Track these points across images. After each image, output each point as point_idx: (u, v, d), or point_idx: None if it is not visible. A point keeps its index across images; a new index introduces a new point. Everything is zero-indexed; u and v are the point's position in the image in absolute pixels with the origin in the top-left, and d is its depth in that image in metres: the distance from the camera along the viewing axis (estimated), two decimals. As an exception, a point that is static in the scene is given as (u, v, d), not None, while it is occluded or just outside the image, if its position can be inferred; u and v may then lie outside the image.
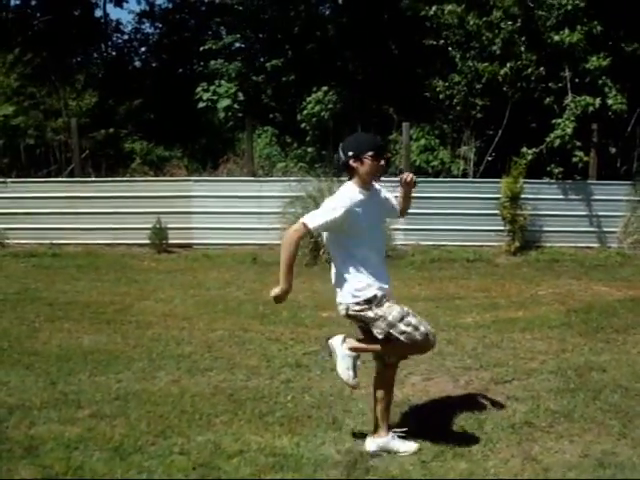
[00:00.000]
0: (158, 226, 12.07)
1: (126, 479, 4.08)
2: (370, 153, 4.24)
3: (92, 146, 14.68)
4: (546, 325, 7.34)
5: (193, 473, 4.15)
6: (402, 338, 4.18)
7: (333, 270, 4.36)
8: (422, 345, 4.30)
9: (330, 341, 4.42)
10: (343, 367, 4.32)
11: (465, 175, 13.32)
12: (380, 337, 4.22)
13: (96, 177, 13.57)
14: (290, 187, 11.68)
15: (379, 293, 4.25)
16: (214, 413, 4.99)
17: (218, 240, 12.31)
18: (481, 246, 12.03)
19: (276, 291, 4.23)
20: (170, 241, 12.05)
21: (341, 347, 4.35)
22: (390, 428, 4.44)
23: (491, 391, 5.44)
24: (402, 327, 4.18)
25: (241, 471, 4.15)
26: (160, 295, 8.81)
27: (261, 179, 12.98)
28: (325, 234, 4.36)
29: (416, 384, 5.65)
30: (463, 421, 4.82)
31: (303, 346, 6.60)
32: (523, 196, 11.90)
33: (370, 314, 4.20)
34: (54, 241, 12.58)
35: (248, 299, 8.75)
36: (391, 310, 4.21)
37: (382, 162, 4.36)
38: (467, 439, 4.54)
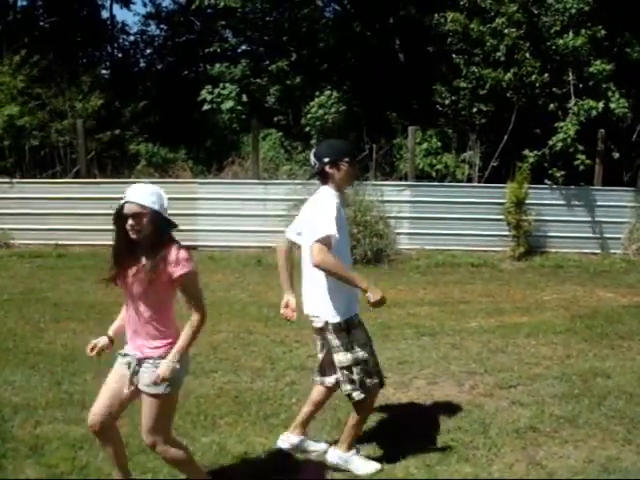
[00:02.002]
0: (162, 227, 12.06)
1: (130, 479, 4.09)
2: (346, 159, 4.23)
3: (98, 147, 14.70)
4: (551, 331, 7.34)
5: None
6: (355, 381, 4.11)
7: (308, 279, 4.23)
8: (367, 397, 4.19)
9: (330, 462, 4.29)
10: (363, 468, 4.23)
11: (470, 180, 13.32)
12: (337, 365, 4.14)
13: (101, 178, 13.59)
14: (295, 190, 11.69)
15: (355, 316, 4.17)
16: (219, 414, 5.00)
17: (223, 242, 12.32)
18: (486, 251, 12.02)
19: (374, 293, 3.98)
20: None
21: (341, 456, 4.26)
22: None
23: (496, 396, 5.44)
24: (357, 374, 4.10)
25: (246, 472, 4.16)
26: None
27: (266, 182, 12.99)
28: (305, 245, 4.21)
29: (421, 388, 5.65)
30: (468, 425, 4.82)
31: (307, 349, 6.59)
32: (528, 201, 11.89)
33: (340, 340, 4.10)
34: (59, 242, 12.59)
35: (253, 301, 8.76)
36: (359, 351, 4.12)
37: (357, 168, 4.35)
38: (472, 443, 4.55)
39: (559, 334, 7.22)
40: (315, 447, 4.41)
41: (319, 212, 4.09)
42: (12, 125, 14.02)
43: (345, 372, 4.12)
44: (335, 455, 4.29)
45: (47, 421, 4.91)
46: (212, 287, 9.62)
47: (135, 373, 3.60)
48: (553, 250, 12.16)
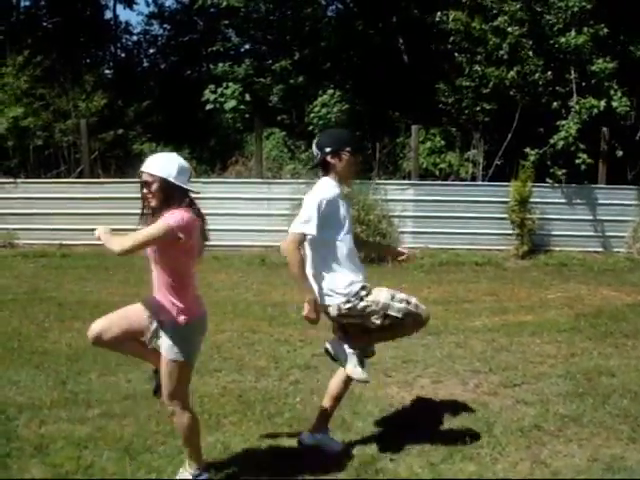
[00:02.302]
0: (166, 227, 12.10)
1: (136, 479, 4.10)
2: (348, 149, 4.20)
3: (101, 147, 14.73)
4: (555, 329, 7.33)
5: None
6: (400, 315, 4.17)
7: (311, 271, 4.21)
8: (419, 317, 4.27)
9: (327, 346, 4.36)
10: (350, 366, 4.26)
11: (474, 179, 13.32)
12: (377, 323, 4.17)
13: (105, 178, 13.61)
14: (298, 189, 11.69)
15: (365, 284, 4.20)
16: (223, 414, 5.00)
17: (227, 242, 12.31)
18: (490, 250, 12.02)
19: (306, 309, 4.08)
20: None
21: (341, 347, 4.30)
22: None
23: (500, 394, 5.44)
24: (397, 305, 4.17)
25: (250, 472, 4.16)
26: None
27: (270, 181, 13.00)
28: None
29: (425, 387, 5.65)
30: (472, 424, 4.82)
31: (312, 348, 6.60)
32: (532, 200, 11.89)
33: (362, 304, 4.14)
34: (63, 241, 12.62)
35: (257, 300, 8.77)
36: (380, 293, 4.19)
37: (360, 158, 4.34)
38: (476, 442, 4.54)
39: (563, 333, 7.21)
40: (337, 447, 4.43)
41: (304, 202, 4.12)
42: (16, 126, 14.05)
43: (388, 312, 4.16)
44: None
45: (52, 420, 4.91)
46: (216, 286, 9.63)
47: (157, 336, 3.77)
48: (557, 249, 12.15)
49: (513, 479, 4.10)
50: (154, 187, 3.62)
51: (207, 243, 3.99)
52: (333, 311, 4.19)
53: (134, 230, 3.78)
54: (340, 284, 4.14)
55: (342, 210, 4.20)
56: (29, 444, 4.50)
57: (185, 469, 3.98)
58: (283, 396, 5.41)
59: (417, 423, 4.85)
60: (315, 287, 4.19)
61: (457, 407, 5.18)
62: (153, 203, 3.67)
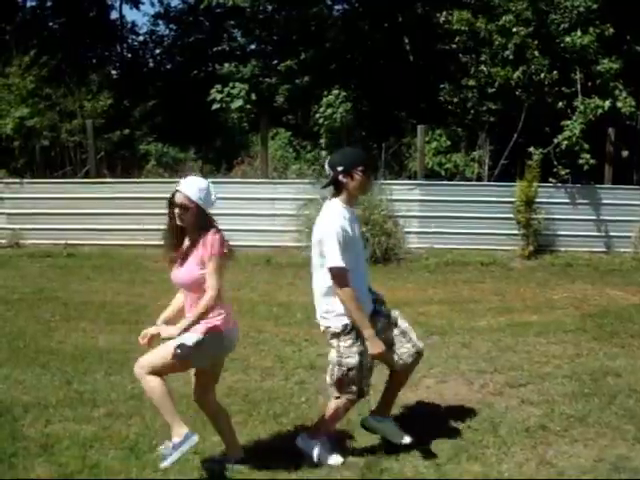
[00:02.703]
0: (172, 227, 12.14)
1: (141, 478, 4.10)
2: (360, 168, 4.20)
3: (107, 147, 14.75)
4: (561, 329, 7.32)
5: (207, 473, 4.18)
6: (335, 379, 4.21)
7: (317, 292, 4.27)
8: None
9: (297, 444, 4.41)
10: (323, 458, 4.32)
11: (479, 179, 13.30)
12: (329, 365, 4.26)
13: (111, 178, 13.64)
14: (304, 189, 11.71)
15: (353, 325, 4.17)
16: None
17: (232, 242, 12.25)
18: (495, 250, 11.98)
19: (372, 346, 4.10)
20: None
21: (306, 441, 4.37)
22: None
23: (505, 395, 5.44)
24: (341, 372, 4.18)
25: (256, 472, 4.17)
26: (174, 296, 8.83)
27: (275, 181, 13.00)
28: (315, 252, 4.24)
29: (430, 387, 5.65)
30: (477, 424, 4.82)
31: (317, 347, 6.60)
32: (537, 200, 11.85)
33: (336, 342, 4.19)
34: (69, 241, 12.63)
35: (262, 300, 8.77)
36: (350, 350, 4.17)
37: (373, 178, 4.36)
38: (481, 442, 4.54)
39: (569, 333, 7.20)
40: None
41: (324, 237, 4.13)
42: (23, 126, 14.09)
43: (329, 367, 4.24)
44: (300, 439, 4.42)
45: (57, 420, 4.93)
46: (221, 286, 9.63)
47: None
48: (563, 249, 12.11)
49: (519, 479, 4.10)
50: (189, 212, 3.90)
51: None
52: (322, 328, 4.30)
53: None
54: (340, 313, 4.16)
55: (356, 233, 4.25)
56: (35, 443, 4.52)
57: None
58: (289, 396, 5.42)
59: (422, 423, 4.85)
60: (316, 306, 4.28)
61: (462, 407, 5.18)
62: (182, 224, 3.95)
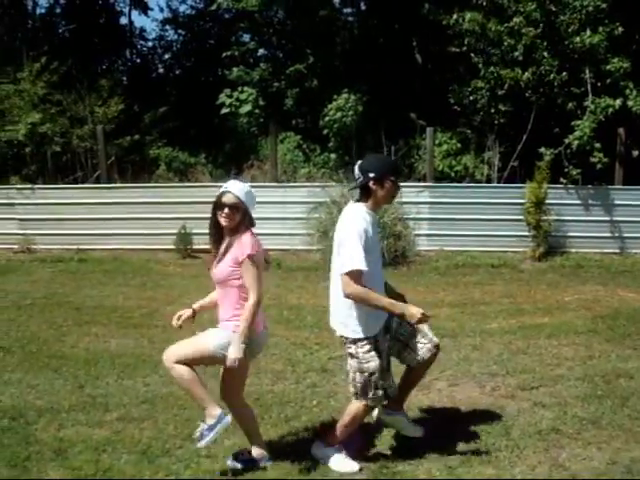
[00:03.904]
0: (183, 231, 12.18)
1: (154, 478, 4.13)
2: (392, 177, 4.20)
3: (118, 153, 14.83)
4: (572, 331, 7.28)
5: (220, 476, 4.19)
6: (359, 387, 4.19)
7: (334, 296, 4.26)
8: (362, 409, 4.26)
9: (312, 452, 4.40)
10: (338, 466, 4.30)
11: (489, 180, 13.27)
12: (349, 374, 4.26)
13: (122, 183, 13.70)
14: (314, 193, 11.72)
15: (371, 334, 4.17)
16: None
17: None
18: (505, 252, 11.95)
19: (411, 312, 4.07)
20: (195, 246, 12.12)
21: (322, 450, 4.36)
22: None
23: (517, 397, 5.42)
24: (363, 378, 4.17)
25: (268, 475, 4.18)
26: (185, 300, 8.81)
27: (285, 185, 13.02)
28: (335, 256, 4.23)
29: (442, 390, 5.64)
30: (489, 427, 4.80)
31: (328, 351, 6.61)
32: (547, 201, 11.81)
33: (355, 351, 4.18)
34: (81, 246, 12.71)
35: (273, 304, 8.76)
36: (368, 358, 4.17)
37: (400, 189, 4.33)
38: (494, 445, 4.53)
39: (581, 335, 7.17)
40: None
41: (345, 238, 4.11)
42: (34, 132, 14.18)
43: (350, 376, 4.23)
44: (315, 447, 4.40)
45: (70, 424, 4.96)
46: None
47: None
48: (573, 250, 12.06)
49: (531, 482, 4.09)
50: (238, 212, 4.07)
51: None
52: (339, 335, 4.30)
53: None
54: (355, 322, 4.15)
55: (373, 240, 4.20)
56: (48, 447, 4.55)
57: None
58: (300, 399, 5.42)
59: (434, 426, 4.84)
60: (333, 312, 4.27)
61: (474, 410, 5.17)
62: (229, 224, 4.08)
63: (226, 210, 4.05)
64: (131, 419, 5.02)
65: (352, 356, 4.20)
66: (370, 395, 4.19)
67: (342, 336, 4.25)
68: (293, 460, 4.30)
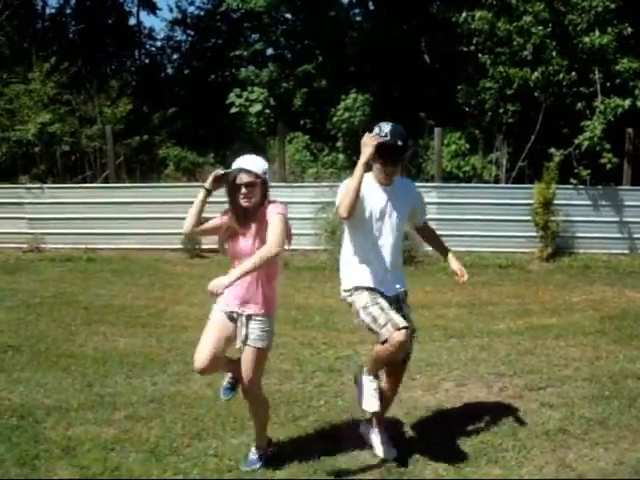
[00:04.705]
0: (191, 231, 12.21)
1: (162, 478, 4.15)
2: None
3: (126, 152, 14.88)
4: (580, 332, 7.27)
5: (227, 475, 4.21)
6: (365, 325, 4.14)
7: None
8: (381, 337, 4.00)
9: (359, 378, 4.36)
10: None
11: (497, 181, 13.25)
12: (355, 322, 4.29)
13: (130, 183, 13.75)
14: (321, 193, 11.72)
15: (360, 284, 4.20)
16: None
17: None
18: (513, 252, 11.94)
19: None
20: (203, 246, 12.17)
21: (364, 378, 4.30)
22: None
23: (525, 398, 5.42)
24: (362, 315, 4.14)
25: (277, 475, 4.19)
26: (193, 299, 8.89)
27: (292, 185, 13.04)
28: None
29: (449, 390, 5.64)
30: (497, 428, 4.81)
31: (335, 351, 6.63)
32: (556, 202, 11.79)
33: (348, 300, 4.26)
34: (89, 246, 12.77)
35: (280, 303, 8.68)
36: (360, 298, 4.18)
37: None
38: (501, 445, 4.53)
39: (588, 335, 7.15)
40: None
41: None
42: (44, 132, 14.25)
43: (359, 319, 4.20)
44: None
45: (79, 423, 4.98)
46: (240, 290, 9.67)
47: (245, 328, 4.01)
48: (581, 251, 12.03)
49: (538, 482, 4.10)
50: (256, 188, 3.91)
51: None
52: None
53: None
54: (345, 272, 4.30)
55: (369, 207, 4.26)
56: (56, 446, 4.57)
57: (252, 452, 4.30)
58: (307, 399, 5.43)
59: (441, 426, 4.85)
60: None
61: (482, 410, 5.17)
62: (253, 201, 3.91)
63: (243, 190, 3.91)
64: (139, 418, 5.04)
65: (352, 307, 4.24)
66: (381, 326, 4.01)
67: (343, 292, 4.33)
68: (301, 460, 4.32)
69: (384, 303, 4.13)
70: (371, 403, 4.19)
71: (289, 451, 4.48)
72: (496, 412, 5.11)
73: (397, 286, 4.32)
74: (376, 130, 4.25)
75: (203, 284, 9.97)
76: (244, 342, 4.02)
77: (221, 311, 4.10)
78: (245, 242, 3.99)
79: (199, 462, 4.33)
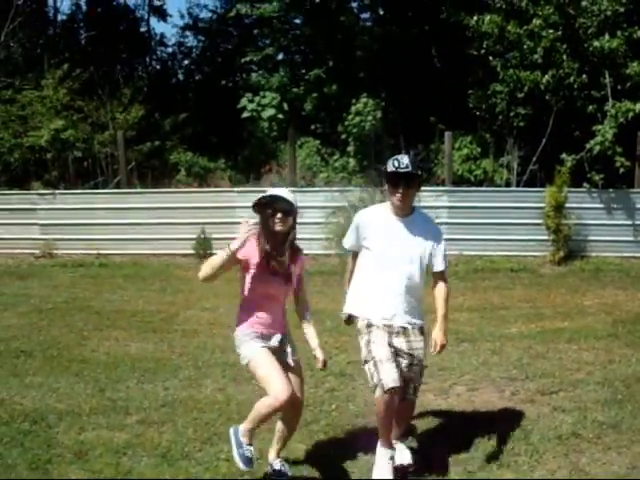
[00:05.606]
0: (202, 236, 12.23)
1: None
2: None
3: (138, 158, 14.94)
4: (592, 336, 7.24)
5: (239, 480, 4.21)
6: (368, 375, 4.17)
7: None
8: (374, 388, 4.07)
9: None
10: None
11: (508, 184, 13.21)
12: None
13: (142, 188, 13.80)
14: (332, 197, 11.73)
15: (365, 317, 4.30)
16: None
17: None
18: (525, 256, 11.90)
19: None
20: (214, 251, 12.17)
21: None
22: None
23: (537, 402, 5.40)
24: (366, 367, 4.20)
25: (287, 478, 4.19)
26: (205, 304, 8.92)
27: (303, 189, 13.03)
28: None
29: (461, 394, 5.63)
30: (509, 431, 4.78)
31: (347, 355, 6.62)
32: (567, 205, 11.74)
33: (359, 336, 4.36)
34: (101, 251, 12.82)
35: (291, 308, 8.75)
36: (364, 348, 4.25)
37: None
38: (513, 450, 4.51)
39: (601, 339, 7.12)
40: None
41: None
42: (56, 138, 14.33)
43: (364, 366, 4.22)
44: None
45: (91, 427, 4.99)
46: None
47: (284, 348, 4.32)
48: (593, 254, 11.97)
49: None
50: (291, 216, 4.19)
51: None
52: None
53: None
54: (356, 301, 4.43)
55: (391, 237, 4.37)
56: (69, 450, 4.59)
57: (279, 463, 4.18)
58: (319, 403, 5.43)
59: (453, 431, 4.83)
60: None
61: (493, 415, 5.16)
62: (284, 228, 4.18)
63: (279, 215, 4.14)
64: (151, 422, 5.05)
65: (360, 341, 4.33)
66: (373, 382, 4.06)
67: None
68: (312, 464, 4.32)
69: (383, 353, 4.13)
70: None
71: (299, 455, 4.48)
72: (508, 416, 5.09)
73: (407, 319, 4.28)
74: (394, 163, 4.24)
75: (214, 289, 10.03)
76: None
77: (259, 342, 4.22)
78: (280, 281, 4.23)
79: (211, 466, 4.33)
